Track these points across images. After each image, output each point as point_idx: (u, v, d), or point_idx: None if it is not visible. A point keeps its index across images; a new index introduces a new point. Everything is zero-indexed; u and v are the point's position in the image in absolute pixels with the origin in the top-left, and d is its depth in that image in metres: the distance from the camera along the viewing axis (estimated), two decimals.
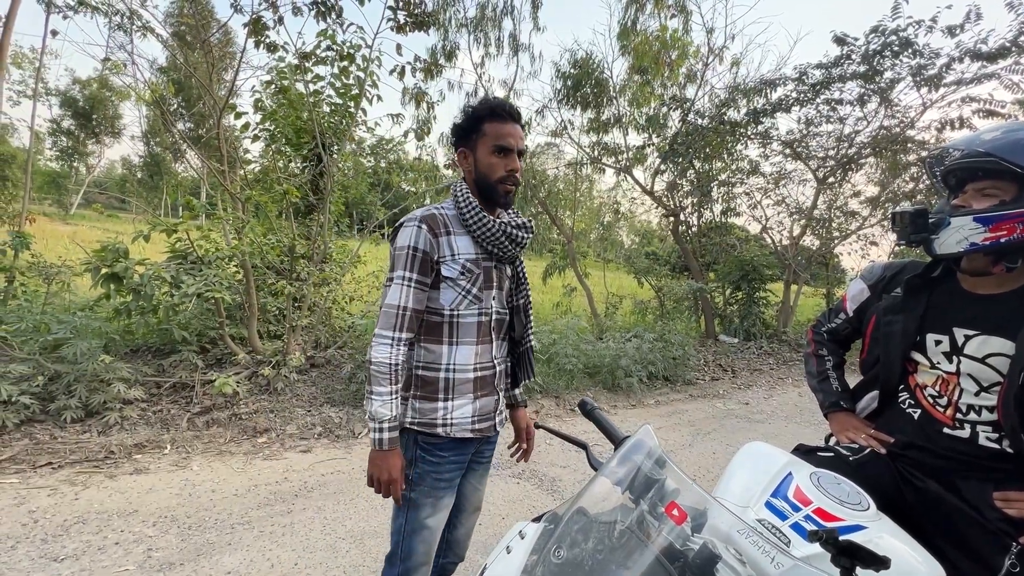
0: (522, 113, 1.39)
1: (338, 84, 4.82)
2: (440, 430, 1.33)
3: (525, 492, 3.09)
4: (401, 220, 1.34)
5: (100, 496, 2.63)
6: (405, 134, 5.31)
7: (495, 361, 1.43)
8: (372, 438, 1.24)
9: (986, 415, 1.22)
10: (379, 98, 4.84)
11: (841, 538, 0.76)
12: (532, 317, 1.55)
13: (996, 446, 1.22)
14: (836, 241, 9.38)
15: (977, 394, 1.23)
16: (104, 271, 3.35)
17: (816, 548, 0.81)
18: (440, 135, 7.74)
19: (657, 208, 9.51)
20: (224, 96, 4.26)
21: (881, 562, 0.72)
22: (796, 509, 1.03)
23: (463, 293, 1.32)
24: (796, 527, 0.99)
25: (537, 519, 0.95)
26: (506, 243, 1.36)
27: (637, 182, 8.97)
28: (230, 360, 4.18)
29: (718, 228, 9.53)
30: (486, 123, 1.31)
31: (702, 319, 8.90)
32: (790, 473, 1.14)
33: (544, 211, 8.60)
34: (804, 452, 1.45)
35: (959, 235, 1.14)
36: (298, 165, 5.36)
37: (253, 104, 4.97)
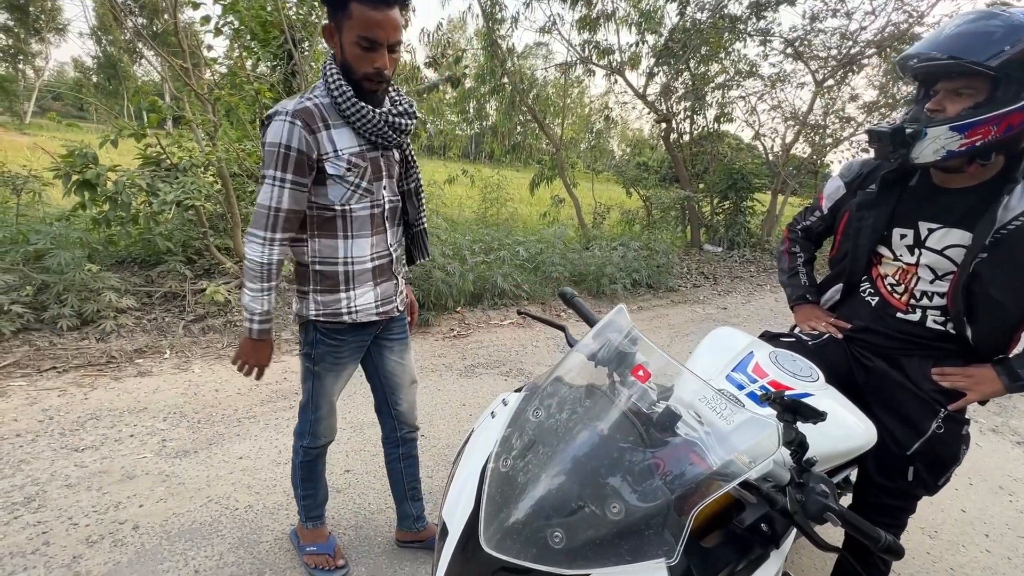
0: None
1: None
2: (346, 318, 1.39)
3: (513, 388, 3.30)
4: (270, 112, 1.22)
5: (109, 396, 2.77)
6: None
7: (391, 248, 1.45)
8: (244, 327, 1.31)
9: (937, 300, 1.32)
10: None
11: (786, 398, 0.87)
12: (424, 199, 1.55)
13: (941, 328, 1.33)
14: (828, 148, 9.22)
15: (932, 282, 1.31)
16: (75, 178, 3.23)
17: (767, 410, 0.92)
18: (420, 30, 7.17)
19: (649, 114, 9.16)
20: None
21: (818, 415, 0.83)
22: (753, 381, 1.15)
23: (352, 188, 1.28)
24: (751, 395, 1.11)
25: (519, 390, 1.05)
26: (389, 132, 1.29)
27: (630, 85, 8.55)
28: (218, 270, 4.19)
29: (710, 136, 9.28)
30: (353, 3, 1.11)
31: (688, 229, 8.96)
32: (751, 352, 1.24)
33: (532, 118, 8.24)
34: (768, 338, 1.57)
35: (936, 144, 1.15)
36: (268, 64, 4.99)
37: None
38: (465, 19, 9.21)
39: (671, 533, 0.74)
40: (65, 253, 3.40)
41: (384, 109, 1.27)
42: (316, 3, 4.54)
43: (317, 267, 1.34)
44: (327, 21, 1.19)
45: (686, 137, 9.22)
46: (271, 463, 2.34)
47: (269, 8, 4.45)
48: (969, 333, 1.27)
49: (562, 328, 1.14)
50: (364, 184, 1.30)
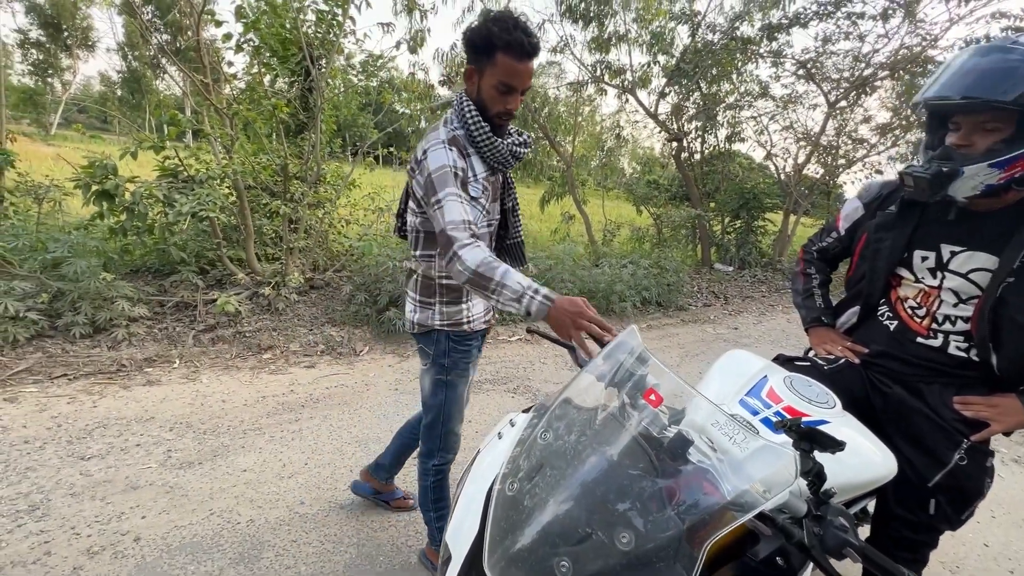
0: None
1: None
2: (466, 326, 1.54)
3: (520, 405, 3.27)
4: (425, 146, 1.33)
5: (117, 404, 2.77)
6: (397, 45, 4.99)
7: None
8: (537, 305, 1.12)
9: (960, 325, 1.28)
10: (368, 4, 4.50)
11: (803, 426, 0.84)
12: (520, 215, 1.68)
13: (964, 354, 1.29)
14: (841, 169, 9.18)
15: (955, 306, 1.28)
16: (95, 188, 3.29)
17: (781, 438, 0.89)
18: (435, 51, 7.28)
19: (660, 133, 9.20)
20: (201, 1, 3.95)
21: (837, 445, 0.80)
22: (767, 406, 1.12)
23: (482, 209, 1.42)
24: (765, 421, 1.07)
25: (526, 410, 1.03)
26: (511, 160, 1.45)
27: (641, 104, 8.59)
28: (230, 281, 4.23)
29: (721, 155, 9.28)
30: (500, 54, 1.26)
31: (699, 247, 8.92)
32: (765, 376, 1.21)
33: (544, 135, 8.30)
34: (782, 361, 1.53)
35: (974, 181, 1.14)
36: (286, 80, 5.09)
37: (235, 12, 4.62)
38: None
39: (683, 566, 0.71)
40: (81, 262, 3.45)
41: (509, 140, 1.44)
42: (335, 22, 4.65)
43: (443, 281, 1.48)
44: (469, 66, 1.34)
45: (697, 156, 9.23)
46: (275, 477, 2.32)
47: (288, 26, 4.56)
48: (994, 360, 1.23)
49: (570, 347, 1.12)
50: (487, 205, 1.45)
